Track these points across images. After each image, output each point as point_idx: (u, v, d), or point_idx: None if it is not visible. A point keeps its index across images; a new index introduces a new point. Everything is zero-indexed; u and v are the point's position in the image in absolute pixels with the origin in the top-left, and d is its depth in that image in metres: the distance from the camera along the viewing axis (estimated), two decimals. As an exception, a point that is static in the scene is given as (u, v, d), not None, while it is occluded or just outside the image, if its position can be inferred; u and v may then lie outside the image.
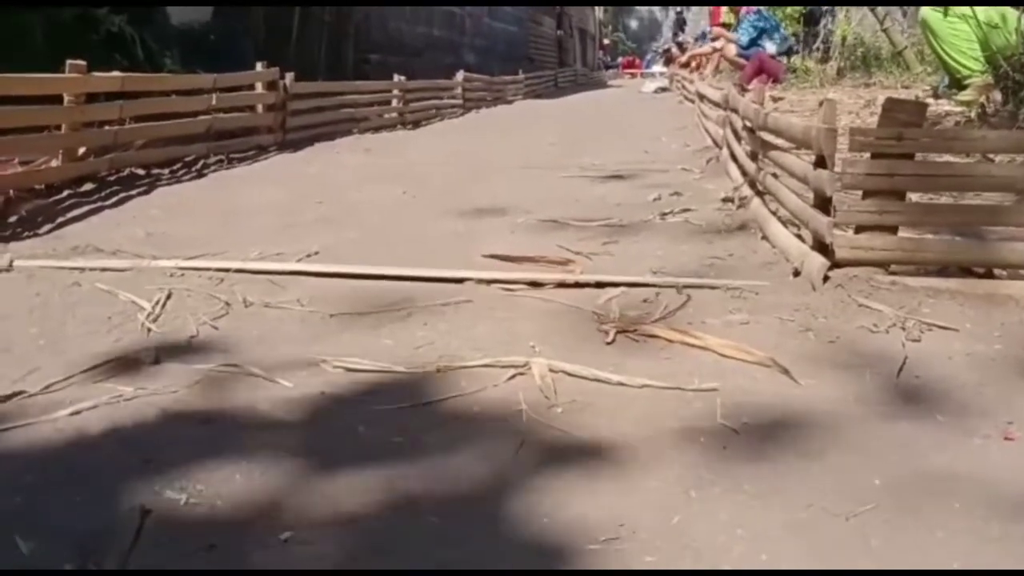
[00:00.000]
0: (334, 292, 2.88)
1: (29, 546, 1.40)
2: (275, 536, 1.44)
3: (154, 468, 1.66)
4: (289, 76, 7.53)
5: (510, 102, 15.14)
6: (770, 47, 11.21)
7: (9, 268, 3.16)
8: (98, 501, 1.55)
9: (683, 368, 2.14)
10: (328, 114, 8.49)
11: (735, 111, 4.89)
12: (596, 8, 29.39)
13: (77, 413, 1.91)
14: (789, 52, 11.47)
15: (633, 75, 24.04)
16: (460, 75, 12.98)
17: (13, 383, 2.07)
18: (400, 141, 8.35)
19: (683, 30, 20.20)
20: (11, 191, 4.35)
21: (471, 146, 7.74)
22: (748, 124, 4.25)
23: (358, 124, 8.87)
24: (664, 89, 15.94)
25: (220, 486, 1.59)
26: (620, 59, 30.12)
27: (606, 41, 25.65)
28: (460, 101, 12.61)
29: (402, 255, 3.33)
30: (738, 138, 4.80)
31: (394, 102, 10.20)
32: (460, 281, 2.91)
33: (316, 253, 3.41)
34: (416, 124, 10.33)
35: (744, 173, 4.34)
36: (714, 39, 13.67)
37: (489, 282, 2.90)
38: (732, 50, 11.97)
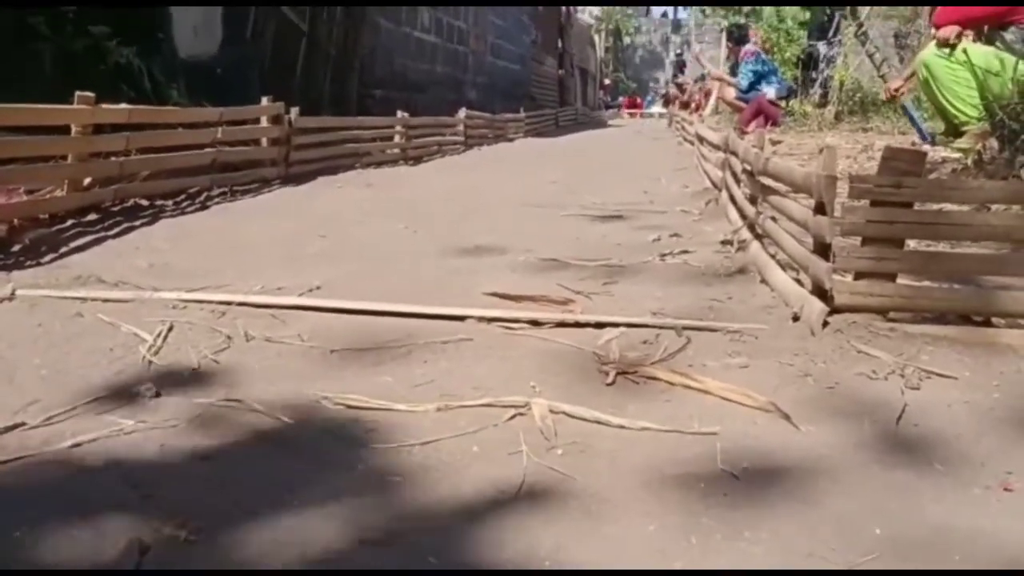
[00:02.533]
0: (335, 327, 2.88)
1: (27, 581, 1.40)
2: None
3: (154, 504, 1.66)
4: (294, 111, 7.62)
5: (511, 140, 15.29)
6: (769, 91, 11.35)
7: (12, 297, 3.17)
8: (98, 536, 1.54)
9: (683, 411, 2.14)
10: (331, 148, 8.57)
11: (734, 154, 4.95)
12: (597, 48, 29.76)
13: (78, 446, 1.91)
14: (788, 96, 11.62)
15: (633, 114, 23.92)
16: (462, 112, 13.13)
17: (14, 414, 2.07)
18: (402, 177, 8.41)
19: (683, 72, 20.44)
20: (16, 220, 4.38)
21: (473, 183, 7.80)
22: (748, 168, 4.30)
23: (361, 159, 8.96)
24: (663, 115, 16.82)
25: (221, 523, 1.59)
26: (621, 98, 29.63)
27: (607, 81, 25.47)
28: (462, 138, 12.74)
29: (403, 291, 3.35)
30: (737, 181, 4.85)
31: (397, 138, 10.30)
32: (461, 319, 2.92)
33: (318, 287, 3.42)
34: (418, 160, 10.41)
35: (743, 216, 4.38)
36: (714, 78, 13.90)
37: (490, 320, 2.91)
38: (731, 93, 12.13)
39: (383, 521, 1.62)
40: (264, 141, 7.32)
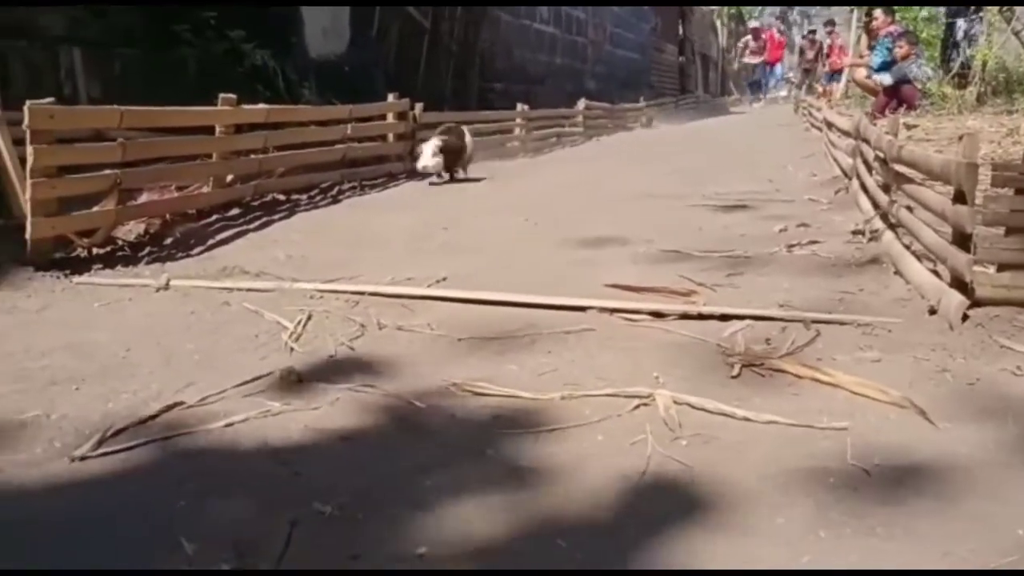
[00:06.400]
0: (461, 317, 2.98)
1: (192, 547, 1.53)
2: (412, 551, 1.52)
3: (301, 480, 1.78)
4: (418, 106, 7.83)
5: (631, 129, 15.15)
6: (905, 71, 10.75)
7: (166, 287, 3.44)
8: (251, 508, 1.68)
9: (812, 405, 2.11)
10: (453, 143, 8.74)
11: (866, 141, 4.76)
12: (719, 33, 28.99)
13: (230, 425, 2.07)
14: (925, 77, 10.98)
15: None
16: (581, 103, 13.11)
17: (175, 394, 2.26)
18: (522, 169, 8.50)
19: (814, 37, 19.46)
20: (168, 215, 4.72)
21: (592, 174, 7.80)
22: (880, 155, 4.13)
23: (482, 152, 9.09)
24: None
25: (361, 500, 1.69)
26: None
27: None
28: (581, 129, 12.72)
29: (525, 282, 3.41)
30: (869, 169, 4.67)
31: (516, 130, 10.40)
32: (583, 310, 2.96)
33: (444, 279, 3.53)
34: (538, 152, 10.48)
35: (875, 205, 4.22)
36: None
37: (612, 311, 2.93)
38: (862, 73, 11.51)
39: (511, 504, 1.68)
40: (390, 137, 7.56)
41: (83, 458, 1.90)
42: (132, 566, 1.49)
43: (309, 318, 2.94)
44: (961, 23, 11.19)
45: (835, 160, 6.91)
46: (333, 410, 2.16)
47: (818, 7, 23.61)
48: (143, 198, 4.72)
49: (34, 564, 1.51)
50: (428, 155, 6.79)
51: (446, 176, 7.09)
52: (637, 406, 2.13)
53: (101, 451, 1.93)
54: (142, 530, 1.61)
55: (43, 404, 2.21)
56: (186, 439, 2.01)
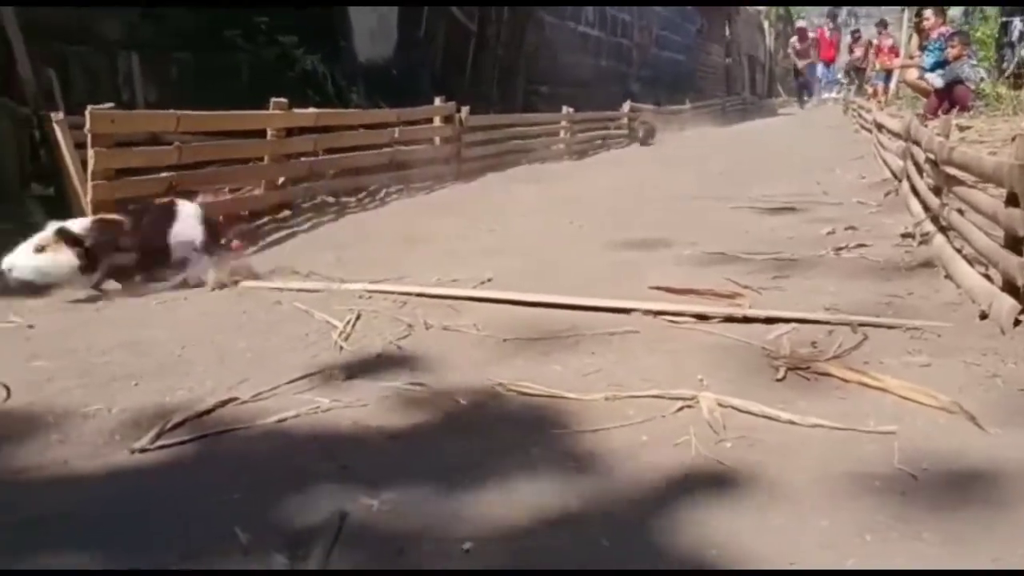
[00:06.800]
0: (506, 318, 3.01)
1: (247, 536, 1.59)
2: (457, 545, 1.56)
3: (350, 474, 1.83)
4: (465, 110, 7.89)
5: (676, 132, 15.05)
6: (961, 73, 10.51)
7: (220, 287, 3.53)
8: (303, 501, 1.73)
9: (858, 409, 2.10)
10: (499, 146, 8.82)
11: (917, 143, 4.69)
12: (766, 34, 28.63)
13: (282, 421, 2.13)
14: (978, 77, 10.72)
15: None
16: (626, 106, 13.08)
17: (228, 390, 2.33)
18: (567, 171, 8.52)
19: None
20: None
21: (636, 176, 7.79)
22: (931, 157, 4.07)
23: (527, 155, 9.15)
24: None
25: (408, 495, 1.73)
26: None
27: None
28: (626, 131, 12.69)
29: (569, 284, 3.43)
30: (920, 171, 4.59)
31: (562, 133, 10.42)
32: (627, 312, 2.97)
33: (489, 280, 3.57)
34: (583, 154, 10.49)
35: (926, 208, 4.16)
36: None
37: (656, 313, 2.94)
38: (913, 74, 11.30)
39: (557, 502, 1.71)
40: (437, 140, 7.63)
41: (143, 450, 1.97)
42: (188, 554, 1.55)
43: (358, 318, 2.99)
44: (1016, 22, 10.92)
45: (885, 162, 6.81)
46: (381, 407, 2.21)
47: (867, 7, 23.17)
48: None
49: (96, 549, 1.57)
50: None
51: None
52: (681, 408, 2.14)
53: (159, 444, 2.00)
54: (198, 520, 1.67)
55: (105, 398, 2.29)
56: (240, 433, 2.07)
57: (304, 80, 7.89)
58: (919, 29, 11.51)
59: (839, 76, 21.13)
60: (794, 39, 21.71)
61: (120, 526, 1.66)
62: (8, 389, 2.35)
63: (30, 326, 3.06)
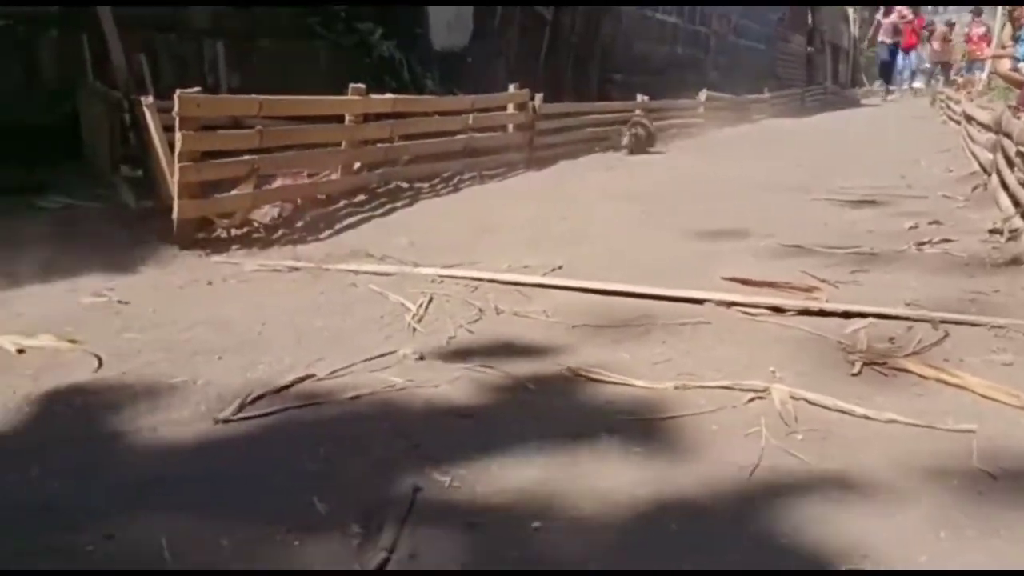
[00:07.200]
0: (576, 305, 3.02)
1: (324, 507, 1.65)
2: (526, 524, 1.59)
3: (422, 452, 1.88)
4: (538, 97, 7.89)
5: (755, 121, 14.76)
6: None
7: (298, 268, 3.63)
8: (377, 475, 1.78)
9: (936, 406, 2.05)
10: (572, 133, 8.77)
11: (1008, 136, 4.51)
12: (851, 22, 27.75)
13: (357, 397, 2.19)
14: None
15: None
16: (703, 94, 12.87)
17: (306, 367, 2.41)
18: (641, 160, 8.44)
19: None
20: (299, 199, 4.96)
21: (712, 166, 7.68)
22: (1023, 150, 3.92)
23: (601, 143, 9.07)
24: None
25: (479, 473, 1.77)
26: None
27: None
28: (702, 120, 12.50)
29: (640, 272, 3.42)
30: (1011, 165, 4.42)
31: (636, 121, 10.30)
32: (699, 302, 2.95)
33: (560, 267, 3.59)
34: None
35: (1016, 203, 4.00)
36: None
37: (729, 304, 2.91)
38: (1006, 64, 10.81)
39: (624, 487, 1.72)
40: (510, 127, 7.65)
41: (226, 420, 2.06)
42: (269, 523, 1.61)
43: (430, 301, 3.05)
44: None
45: (973, 155, 6.57)
46: (452, 388, 2.25)
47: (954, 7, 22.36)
48: (277, 183, 4.97)
49: (189, 511, 1.65)
50: None
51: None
52: (752, 399, 2.13)
53: (241, 415, 2.09)
54: (278, 489, 1.74)
55: (189, 371, 2.40)
56: (317, 408, 2.14)
57: (381, 67, 8.01)
58: (1012, 18, 11.00)
59: (925, 66, 20.35)
60: (879, 15, 20.78)
61: (208, 492, 1.74)
62: (100, 359, 2.48)
63: (120, 301, 3.20)
